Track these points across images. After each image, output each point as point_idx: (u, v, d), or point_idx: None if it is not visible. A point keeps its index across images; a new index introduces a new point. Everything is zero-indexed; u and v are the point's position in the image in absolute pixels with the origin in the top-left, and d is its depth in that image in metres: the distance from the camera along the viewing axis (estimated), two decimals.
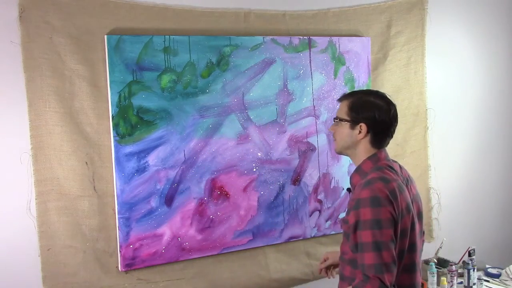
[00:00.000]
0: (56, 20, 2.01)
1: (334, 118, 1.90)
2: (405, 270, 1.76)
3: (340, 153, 1.92)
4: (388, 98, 1.85)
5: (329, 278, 2.12)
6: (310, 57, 2.52)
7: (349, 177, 1.90)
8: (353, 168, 1.88)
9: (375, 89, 2.51)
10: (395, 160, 1.91)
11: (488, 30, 3.20)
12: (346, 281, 1.83)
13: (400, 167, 1.89)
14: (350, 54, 2.63)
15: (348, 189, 1.92)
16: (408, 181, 1.86)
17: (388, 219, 1.66)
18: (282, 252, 2.54)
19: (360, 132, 1.81)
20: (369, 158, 1.82)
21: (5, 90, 2.00)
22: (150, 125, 2.18)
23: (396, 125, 1.85)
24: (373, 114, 1.79)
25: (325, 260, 2.10)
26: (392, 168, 1.81)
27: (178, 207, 2.25)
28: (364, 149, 1.83)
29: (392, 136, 1.86)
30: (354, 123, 1.82)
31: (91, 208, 2.12)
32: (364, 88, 2.63)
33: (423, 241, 1.96)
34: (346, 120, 1.83)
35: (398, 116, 1.86)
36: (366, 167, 1.81)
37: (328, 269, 2.10)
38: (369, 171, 1.79)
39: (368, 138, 1.82)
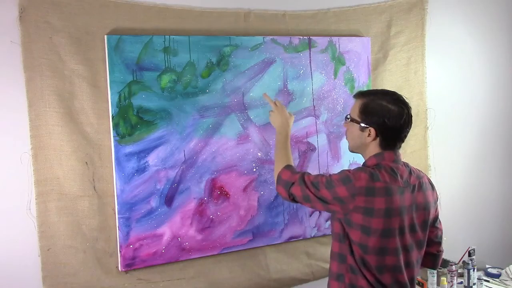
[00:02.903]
0: (56, 20, 2.01)
1: (346, 116, 1.93)
2: (371, 269, 1.78)
3: (352, 151, 1.97)
4: (402, 102, 1.84)
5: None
6: (310, 57, 2.52)
7: None
8: (354, 167, 1.91)
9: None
10: (407, 164, 1.90)
11: (488, 30, 3.20)
12: (334, 259, 1.89)
13: (411, 173, 1.87)
14: (350, 54, 2.63)
15: None
16: (414, 188, 1.85)
17: (338, 195, 1.76)
18: (282, 252, 2.54)
19: (369, 135, 1.83)
20: (375, 155, 1.86)
21: (5, 90, 2.00)
22: (150, 125, 2.18)
23: (409, 130, 1.86)
24: (383, 120, 1.80)
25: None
26: (393, 171, 1.80)
27: (178, 207, 2.25)
28: (374, 150, 1.87)
29: (403, 141, 1.88)
30: (363, 126, 1.84)
31: (91, 208, 2.11)
32: (365, 88, 2.63)
33: (426, 253, 1.94)
34: (356, 122, 1.86)
35: None
36: (370, 163, 1.87)
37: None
38: (371, 166, 1.85)
39: (377, 141, 1.85)
